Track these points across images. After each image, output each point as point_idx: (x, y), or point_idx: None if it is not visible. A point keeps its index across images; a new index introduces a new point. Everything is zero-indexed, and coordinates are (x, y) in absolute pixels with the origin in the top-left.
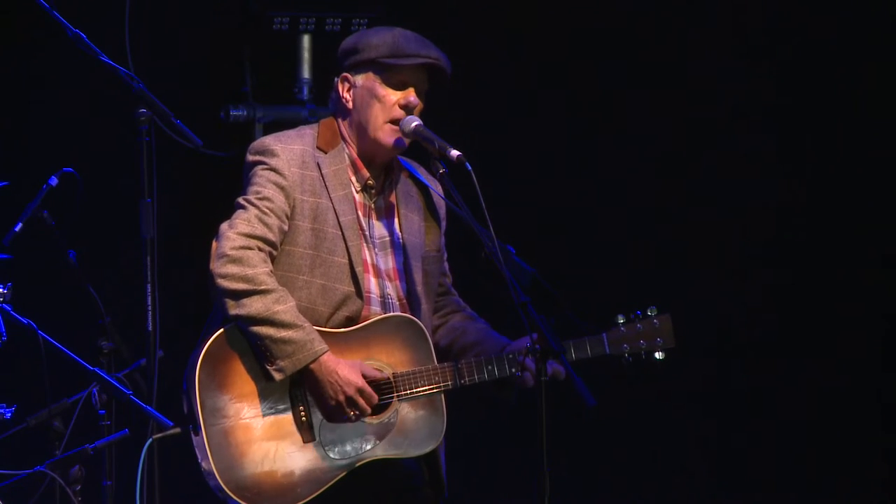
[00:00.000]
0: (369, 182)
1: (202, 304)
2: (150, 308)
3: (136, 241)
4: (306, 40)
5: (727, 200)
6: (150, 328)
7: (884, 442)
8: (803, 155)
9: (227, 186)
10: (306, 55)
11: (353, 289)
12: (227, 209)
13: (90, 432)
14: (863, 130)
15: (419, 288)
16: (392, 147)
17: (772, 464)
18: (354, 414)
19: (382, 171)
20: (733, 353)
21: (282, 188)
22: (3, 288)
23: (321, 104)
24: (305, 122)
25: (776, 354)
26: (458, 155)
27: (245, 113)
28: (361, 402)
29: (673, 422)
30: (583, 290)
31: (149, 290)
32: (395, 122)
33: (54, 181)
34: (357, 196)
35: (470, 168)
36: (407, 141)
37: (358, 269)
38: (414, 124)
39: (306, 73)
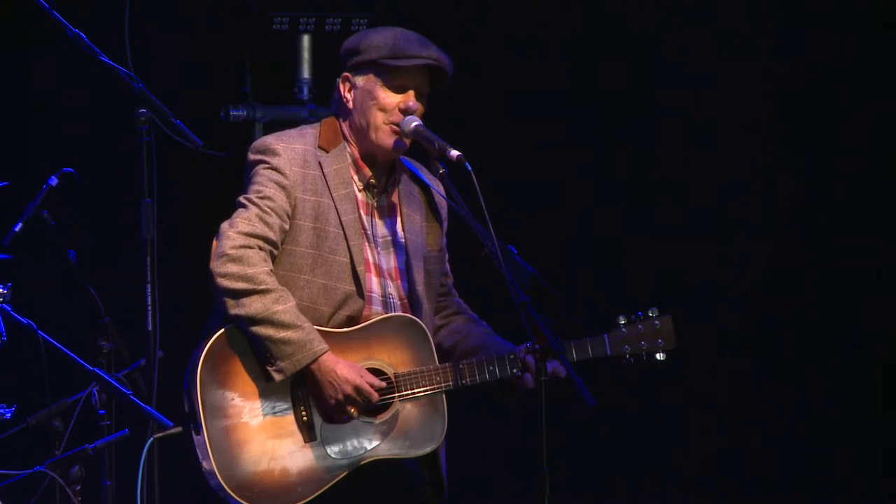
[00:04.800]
0: (371, 181)
1: (202, 304)
2: (150, 308)
3: (136, 241)
4: (306, 40)
5: (728, 200)
6: (150, 328)
7: (885, 442)
8: (805, 153)
9: (227, 186)
10: (306, 55)
11: (354, 288)
12: (227, 209)
13: (90, 432)
14: (864, 131)
15: (420, 288)
16: (392, 149)
17: (772, 465)
18: (353, 412)
19: (385, 170)
20: (734, 354)
21: (283, 187)
22: (3, 288)
23: (321, 104)
24: (305, 122)
25: (777, 354)
26: (458, 155)
27: (245, 113)
28: (360, 400)
29: (673, 422)
30: (584, 291)
31: (149, 290)
32: (394, 124)
33: (54, 181)
34: (359, 195)
35: (470, 168)
36: (407, 141)
37: (359, 269)
38: (413, 125)
39: (306, 73)
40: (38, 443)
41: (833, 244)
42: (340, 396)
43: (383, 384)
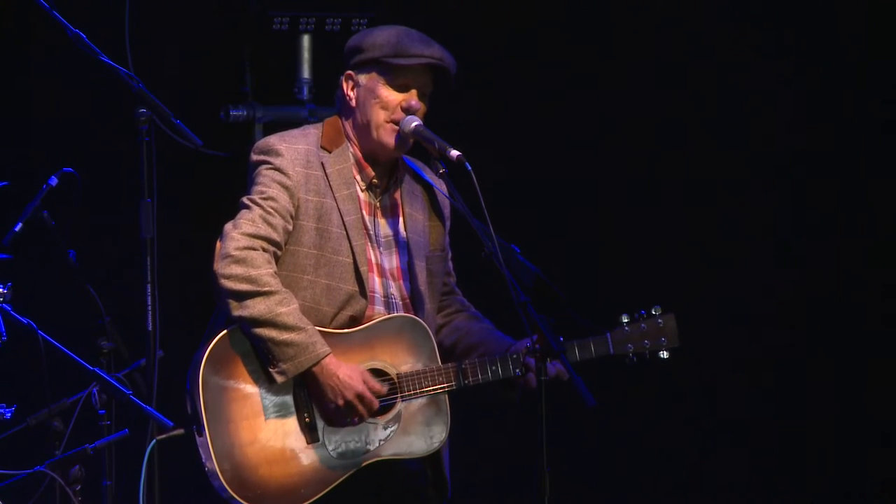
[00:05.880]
0: (374, 181)
1: (202, 304)
2: (150, 308)
3: (136, 241)
4: (306, 40)
5: (729, 199)
6: (150, 328)
7: (884, 442)
8: (806, 150)
9: (227, 186)
10: (306, 55)
11: (357, 288)
12: (228, 209)
13: (90, 432)
14: (867, 132)
15: (423, 288)
16: (393, 147)
17: (772, 465)
18: (353, 419)
19: (387, 170)
20: (734, 353)
21: (286, 188)
22: (3, 288)
23: (321, 104)
24: (305, 121)
25: (777, 354)
26: (458, 155)
27: (245, 113)
28: (360, 407)
29: (673, 422)
30: (586, 290)
31: (149, 290)
32: (396, 122)
33: (54, 181)
34: (362, 195)
35: (470, 168)
36: (410, 141)
37: (362, 269)
38: (414, 124)
39: (306, 73)
40: (38, 443)
41: (835, 241)
42: (341, 402)
43: (385, 390)
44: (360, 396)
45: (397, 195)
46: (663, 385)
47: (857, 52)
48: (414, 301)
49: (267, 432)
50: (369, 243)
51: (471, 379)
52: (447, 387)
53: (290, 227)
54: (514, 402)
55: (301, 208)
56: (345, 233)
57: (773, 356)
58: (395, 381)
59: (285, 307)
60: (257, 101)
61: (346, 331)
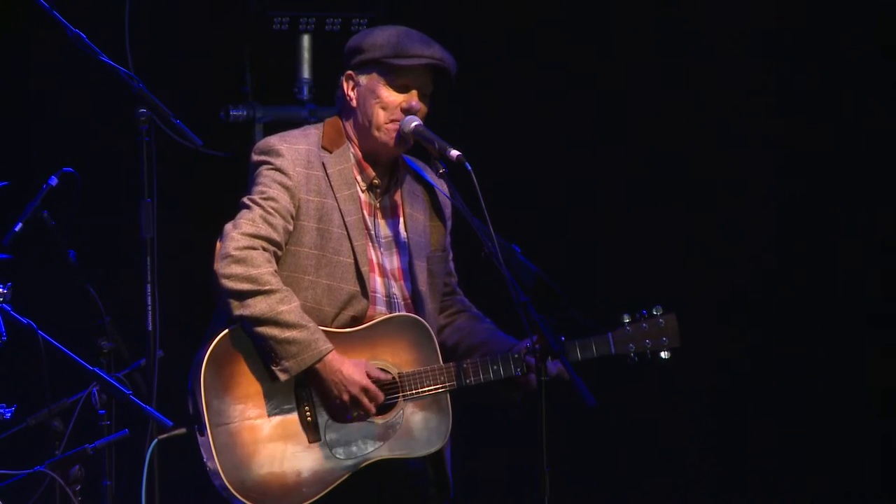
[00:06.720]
0: (375, 181)
1: (202, 304)
2: (150, 308)
3: (136, 241)
4: (306, 40)
5: (729, 199)
6: (150, 328)
7: (884, 442)
8: (806, 150)
9: (227, 186)
10: (306, 55)
11: (358, 288)
12: (228, 209)
13: (90, 432)
14: (864, 124)
15: (424, 288)
16: (393, 148)
17: (772, 465)
18: (358, 414)
19: (388, 170)
20: (734, 352)
21: (287, 188)
22: (3, 288)
23: (321, 104)
24: (305, 121)
25: (777, 353)
26: (458, 155)
27: (245, 113)
28: (366, 401)
29: (673, 422)
30: (586, 290)
31: (149, 290)
32: (395, 123)
33: (54, 181)
34: (362, 195)
35: (470, 168)
36: (410, 141)
37: (364, 269)
38: (413, 124)
39: (306, 73)
40: (38, 443)
41: (833, 239)
42: (346, 397)
43: (389, 377)
44: (365, 390)
45: (398, 196)
46: (663, 385)
47: (857, 51)
48: (415, 301)
49: (268, 431)
50: (370, 243)
51: (472, 378)
52: (448, 386)
53: (291, 228)
54: (516, 402)
55: (302, 209)
56: (346, 233)
57: (773, 356)
58: (397, 380)
59: (286, 305)
60: (257, 101)
61: (347, 330)
